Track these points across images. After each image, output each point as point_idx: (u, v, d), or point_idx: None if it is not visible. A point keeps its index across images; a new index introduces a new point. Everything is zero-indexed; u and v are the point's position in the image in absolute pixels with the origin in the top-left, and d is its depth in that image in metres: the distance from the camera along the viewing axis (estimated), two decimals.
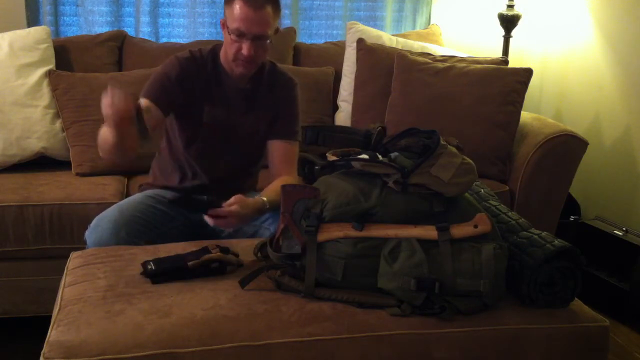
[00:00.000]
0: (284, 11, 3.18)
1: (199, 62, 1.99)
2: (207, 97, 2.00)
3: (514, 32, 3.20)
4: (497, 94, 2.67)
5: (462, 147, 1.56)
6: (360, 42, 2.94)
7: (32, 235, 2.24)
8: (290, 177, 2.01)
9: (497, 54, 3.21)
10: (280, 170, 2.03)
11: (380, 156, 1.54)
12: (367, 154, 1.55)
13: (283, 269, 1.51)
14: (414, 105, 2.72)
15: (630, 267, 2.57)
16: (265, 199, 1.86)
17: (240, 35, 1.86)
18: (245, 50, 1.87)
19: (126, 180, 2.53)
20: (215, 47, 2.04)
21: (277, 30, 1.94)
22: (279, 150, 2.05)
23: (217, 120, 2.01)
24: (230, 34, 1.88)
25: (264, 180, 2.12)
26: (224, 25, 1.93)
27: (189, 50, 2.02)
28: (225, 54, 1.96)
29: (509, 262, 1.49)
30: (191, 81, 1.97)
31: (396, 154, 1.52)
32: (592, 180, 3.08)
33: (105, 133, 1.70)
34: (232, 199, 1.74)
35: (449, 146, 1.50)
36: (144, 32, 3.13)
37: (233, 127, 2.03)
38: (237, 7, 1.85)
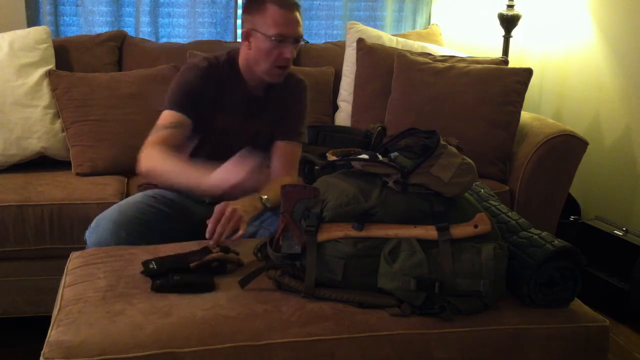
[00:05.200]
0: None
1: (216, 70, 1.99)
2: (220, 105, 1.99)
3: (514, 32, 3.20)
4: (497, 94, 2.67)
5: (462, 147, 1.56)
6: (360, 42, 2.94)
7: (32, 235, 2.24)
8: (290, 178, 2.01)
9: (497, 54, 3.21)
10: (281, 171, 2.03)
11: (380, 156, 1.54)
12: (367, 154, 1.55)
13: (283, 269, 1.51)
14: (414, 105, 2.72)
15: (630, 267, 2.57)
16: (265, 196, 1.86)
17: (281, 40, 1.88)
18: (288, 53, 1.90)
19: (126, 180, 2.53)
20: (231, 53, 2.03)
21: None
22: (282, 151, 2.05)
23: (229, 126, 2.00)
24: (272, 39, 1.88)
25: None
26: (248, 35, 1.93)
27: (205, 57, 2.02)
28: (255, 62, 1.95)
29: (509, 262, 1.49)
30: (209, 89, 1.97)
31: (396, 154, 1.52)
32: (592, 180, 3.08)
33: (181, 176, 1.77)
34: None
35: (448, 146, 1.50)
36: (144, 32, 3.13)
37: (244, 132, 2.02)
38: (272, 13, 1.87)
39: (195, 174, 1.72)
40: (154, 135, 1.90)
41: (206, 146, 2.01)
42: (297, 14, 1.92)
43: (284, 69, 1.95)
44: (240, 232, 1.71)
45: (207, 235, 1.69)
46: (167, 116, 1.92)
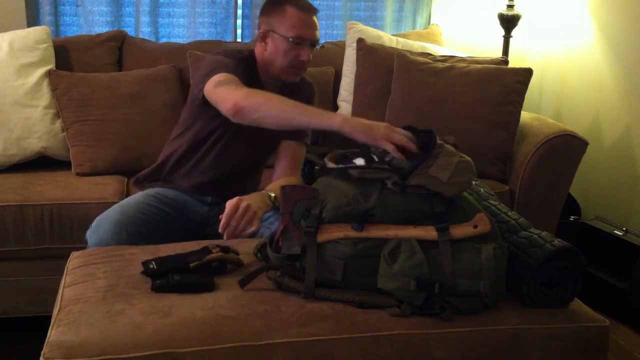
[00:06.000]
0: None
1: (243, 63, 1.98)
2: None
3: (514, 32, 3.20)
4: (497, 94, 2.67)
5: (459, 145, 1.55)
6: (360, 42, 2.94)
7: (32, 235, 2.24)
8: (295, 179, 2.01)
9: (497, 54, 3.21)
10: (288, 171, 2.03)
11: (376, 157, 1.53)
12: (363, 157, 1.54)
13: (283, 270, 1.51)
14: (414, 105, 2.72)
15: (630, 267, 2.57)
16: (274, 195, 1.85)
17: (300, 42, 1.91)
18: (304, 56, 1.93)
19: (126, 179, 2.53)
20: (249, 51, 2.04)
21: None
22: (288, 151, 2.05)
23: (244, 126, 1.99)
24: (290, 41, 1.90)
25: (264, 181, 2.12)
26: (265, 36, 1.94)
27: (231, 50, 2.02)
28: (271, 62, 1.96)
29: (509, 262, 1.49)
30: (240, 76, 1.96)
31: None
32: (592, 180, 3.08)
33: (300, 110, 1.66)
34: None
35: (445, 145, 1.50)
36: (144, 32, 3.13)
37: (257, 131, 2.01)
38: (292, 15, 1.90)
39: (314, 108, 1.67)
40: (232, 85, 1.78)
41: (223, 139, 2.00)
42: (315, 18, 1.95)
43: (300, 70, 1.98)
44: (253, 227, 1.70)
45: (220, 230, 1.67)
46: (226, 75, 1.82)
